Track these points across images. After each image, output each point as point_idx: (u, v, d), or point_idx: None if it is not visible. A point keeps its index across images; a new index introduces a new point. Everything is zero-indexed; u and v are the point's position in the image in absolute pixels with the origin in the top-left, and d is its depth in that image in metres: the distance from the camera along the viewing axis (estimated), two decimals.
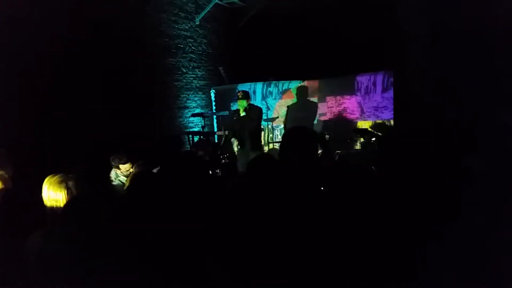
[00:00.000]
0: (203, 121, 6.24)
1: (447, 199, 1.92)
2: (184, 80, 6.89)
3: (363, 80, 6.38)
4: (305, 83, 6.86)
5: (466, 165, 2.26)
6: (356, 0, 6.47)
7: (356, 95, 6.45)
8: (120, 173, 3.70)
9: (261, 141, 5.39)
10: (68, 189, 1.97)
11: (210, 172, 3.84)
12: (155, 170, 3.06)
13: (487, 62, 3.58)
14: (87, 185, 2.53)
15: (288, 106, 6.84)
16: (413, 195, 1.96)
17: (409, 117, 4.45)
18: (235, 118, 5.15)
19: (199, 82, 7.24)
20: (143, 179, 2.31)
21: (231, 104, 7.07)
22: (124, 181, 3.51)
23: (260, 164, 2.52)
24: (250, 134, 5.06)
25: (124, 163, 3.67)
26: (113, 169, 3.75)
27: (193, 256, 1.95)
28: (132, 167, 3.59)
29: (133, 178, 2.39)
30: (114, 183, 3.71)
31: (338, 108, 6.60)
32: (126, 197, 2.30)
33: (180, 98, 6.79)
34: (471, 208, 1.81)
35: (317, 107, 6.76)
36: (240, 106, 5.05)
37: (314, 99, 6.78)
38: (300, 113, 6.72)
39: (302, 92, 6.85)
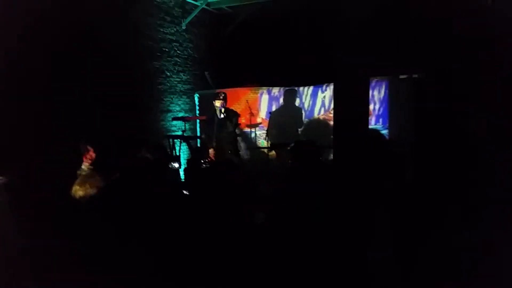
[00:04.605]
0: (183, 125, 6.22)
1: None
2: (168, 84, 6.89)
3: None
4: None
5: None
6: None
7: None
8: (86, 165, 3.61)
9: (237, 145, 5.38)
10: None
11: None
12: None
13: None
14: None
15: (271, 112, 6.82)
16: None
17: None
18: (214, 120, 5.09)
19: (184, 86, 7.25)
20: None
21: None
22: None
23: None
24: (227, 137, 5.03)
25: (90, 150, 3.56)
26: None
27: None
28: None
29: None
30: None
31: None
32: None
33: (163, 102, 6.78)
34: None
35: (303, 113, 6.74)
36: (218, 108, 5.02)
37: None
38: (284, 119, 6.69)
39: (289, 97, 6.82)
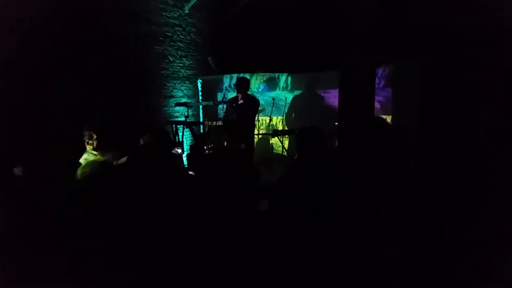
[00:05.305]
0: (186, 111, 6.18)
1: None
2: (171, 69, 6.82)
3: None
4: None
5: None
6: None
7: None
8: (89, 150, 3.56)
9: (253, 133, 5.28)
10: None
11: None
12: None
13: None
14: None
15: (293, 97, 6.71)
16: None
17: None
18: (234, 105, 4.97)
19: (187, 71, 7.18)
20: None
21: (218, 94, 7.02)
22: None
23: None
24: (246, 124, 4.89)
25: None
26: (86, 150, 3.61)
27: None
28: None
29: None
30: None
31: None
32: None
33: (166, 87, 6.73)
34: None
35: (324, 100, 6.60)
36: (240, 93, 4.90)
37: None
38: (306, 105, 6.58)
39: (311, 83, 6.64)
